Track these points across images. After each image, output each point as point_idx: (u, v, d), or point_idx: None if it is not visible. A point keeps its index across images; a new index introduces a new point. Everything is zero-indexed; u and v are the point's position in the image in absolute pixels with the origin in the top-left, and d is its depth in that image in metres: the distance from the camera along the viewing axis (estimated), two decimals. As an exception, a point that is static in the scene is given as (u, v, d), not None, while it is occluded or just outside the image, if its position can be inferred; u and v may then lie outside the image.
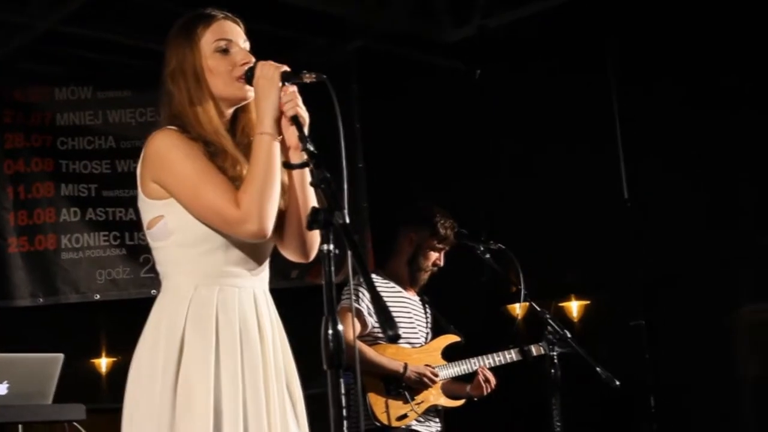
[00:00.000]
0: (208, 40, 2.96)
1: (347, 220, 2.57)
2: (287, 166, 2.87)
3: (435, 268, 5.54)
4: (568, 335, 4.91)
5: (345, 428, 2.50)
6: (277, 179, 2.85)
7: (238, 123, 3.01)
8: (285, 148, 2.90)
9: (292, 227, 2.99)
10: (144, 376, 2.83)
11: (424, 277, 5.54)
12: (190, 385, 2.76)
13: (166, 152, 2.86)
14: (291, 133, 2.85)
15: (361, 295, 5.15)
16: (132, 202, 7.43)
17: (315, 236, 2.94)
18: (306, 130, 2.83)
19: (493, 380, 5.46)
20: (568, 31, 7.30)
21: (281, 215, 2.96)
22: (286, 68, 2.87)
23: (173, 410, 2.75)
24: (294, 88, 2.87)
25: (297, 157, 2.85)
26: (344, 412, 2.51)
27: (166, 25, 7.37)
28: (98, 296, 7.62)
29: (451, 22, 7.74)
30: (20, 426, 4.54)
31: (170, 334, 2.82)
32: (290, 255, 3.06)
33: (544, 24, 7.28)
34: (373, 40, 7.90)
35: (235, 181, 2.86)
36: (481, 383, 5.44)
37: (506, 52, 7.65)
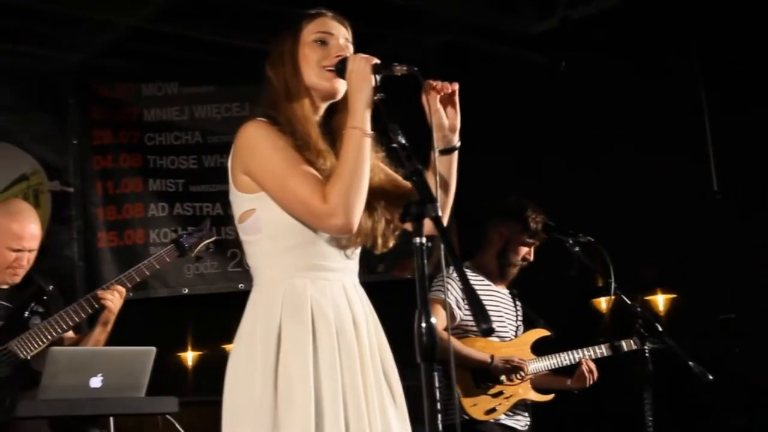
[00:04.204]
0: (309, 31, 3.00)
1: (440, 213, 2.55)
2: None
3: (525, 263, 5.51)
4: (660, 329, 4.85)
5: (440, 422, 2.48)
6: (366, 174, 2.84)
7: (336, 122, 3.01)
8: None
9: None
10: (243, 370, 2.84)
11: (514, 271, 5.51)
12: (290, 377, 2.78)
13: (255, 144, 2.88)
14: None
15: (449, 287, 5.14)
16: (219, 197, 7.61)
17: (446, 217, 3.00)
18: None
19: (596, 372, 5.42)
20: (653, 20, 7.20)
21: None
22: (376, 60, 2.87)
23: (275, 403, 2.77)
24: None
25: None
26: (438, 405, 2.49)
27: (250, 21, 7.43)
28: (186, 290, 7.69)
29: (533, 15, 7.69)
30: (111, 419, 4.60)
31: (267, 328, 2.83)
32: None
33: (629, 14, 7.19)
34: (456, 33, 7.88)
35: (321, 174, 2.86)
36: (584, 374, 5.40)
37: (590, 44, 7.57)
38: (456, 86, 2.95)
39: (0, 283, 4.85)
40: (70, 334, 4.94)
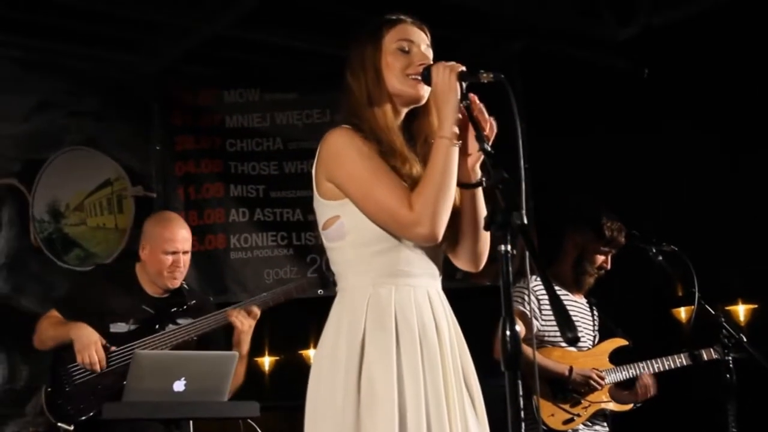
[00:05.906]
0: (390, 39, 3.00)
1: (525, 221, 2.54)
2: (463, 186, 2.89)
3: (601, 272, 5.47)
4: (744, 339, 4.80)
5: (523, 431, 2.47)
6: (453, 184, 2.85)
7: (417, 127, 3.03)
8: (463, 166, 2.91)
9: (465, 237, 3.00)
10: (326, 374, 2.85)
11: (590, 280, 5.48)
12: (373, 383, 2.78)
13: (340, 151, 2.89)
14: (473, 148, 2.89)
15: (525, 297, 5.12)
16: (299, 203, 7.64)
17: (486, 246, 3.00)
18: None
19: (652, 388, 5.37)
20: (737, 28, 7.11)
21: (455, 226, 2.98)
22: (462, 68, 2.87)
23: (357, 408, 2.77)
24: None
25: (473, 175, 2.92)
26: (522, 414, 2.47)
27: (332, 27, 7.43)
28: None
29: (615, 21, 7.63)
30: (191, 422, 4.65)
31: (351, 333, 2.84)
32: (462, 264, 3.07)
33: (713, 21, 7.10)
34: (537, 39, 7.84)
35: (406, 181, 2.86)
36: (638, 390, 5.37)
37: (673, 51, 7.49)
38: (493, 122, 2.91)
39: (157, 289, 4.98)
40: None
